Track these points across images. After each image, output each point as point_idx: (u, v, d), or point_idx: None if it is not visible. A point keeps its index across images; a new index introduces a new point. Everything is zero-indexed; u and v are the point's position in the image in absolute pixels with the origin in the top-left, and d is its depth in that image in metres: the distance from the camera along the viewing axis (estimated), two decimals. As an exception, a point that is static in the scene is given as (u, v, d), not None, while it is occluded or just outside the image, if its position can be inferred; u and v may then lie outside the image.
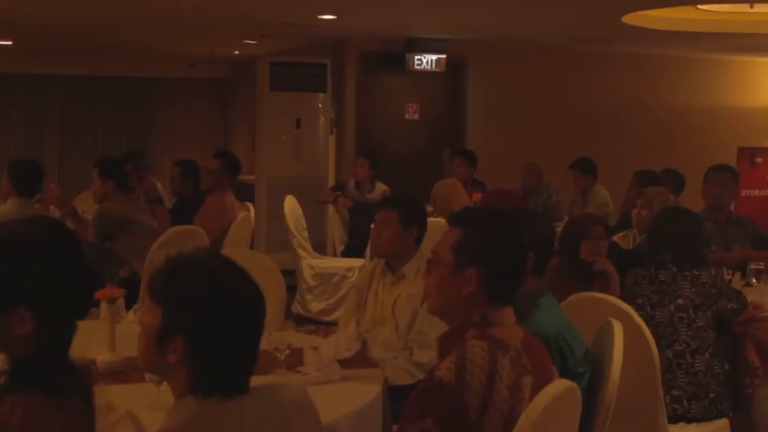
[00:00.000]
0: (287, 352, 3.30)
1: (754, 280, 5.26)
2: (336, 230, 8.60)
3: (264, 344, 3.30)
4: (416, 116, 10.03)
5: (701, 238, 4.57)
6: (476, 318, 2.47)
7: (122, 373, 3.27)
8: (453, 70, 9.84)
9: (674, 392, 4.19)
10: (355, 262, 7.72)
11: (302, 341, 3.59)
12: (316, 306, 7.88)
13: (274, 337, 3.28)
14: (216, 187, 6.81)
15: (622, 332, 3.08)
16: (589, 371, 3.08)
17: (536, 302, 3.08)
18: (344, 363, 3.42)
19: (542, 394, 2.33)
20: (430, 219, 6.68)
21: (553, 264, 4.13)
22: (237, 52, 12.05)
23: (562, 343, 2.99)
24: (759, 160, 11.77)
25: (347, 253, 8.15)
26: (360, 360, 3.60)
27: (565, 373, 2.87)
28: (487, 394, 2.31)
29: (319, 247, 8.86)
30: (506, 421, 2.32)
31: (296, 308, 7.97)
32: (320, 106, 9.69)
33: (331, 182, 9.48)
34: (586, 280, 4.45)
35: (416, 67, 9.48)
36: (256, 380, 2.02)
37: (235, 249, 5.80)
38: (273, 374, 3.23)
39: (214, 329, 1.92)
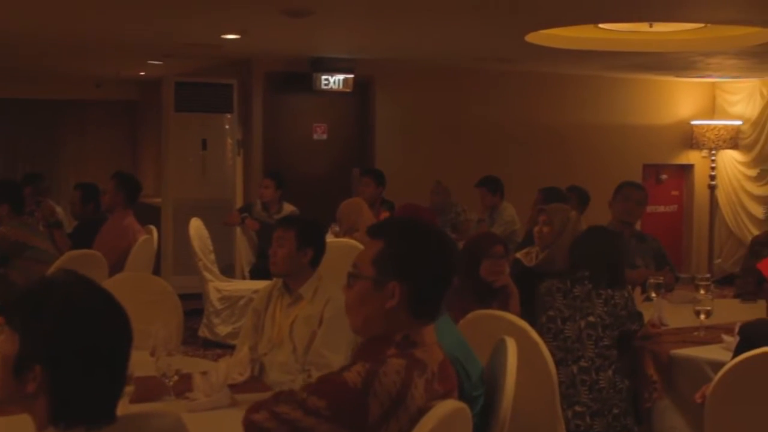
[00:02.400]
0: (176, 377, 3.21)
1: (653, 295, 5.32)
2: (243, 252, 8.50)
3: (152, 370, 3.26)
4: (324, 136, 9.99)
5: (622, 260, 4.60)
6: (398, 337, 2.40)
7: None
8: (360, 89, 9.83)
9: (577, 408, 4.21)
10: (262, 284, 7.60)
11: (191, 366, 3.49)
12: (223, 329, 7.76)
13: (162, 362, 3.19)
14: (114, 210, 6.70)
15: (516, 349, 3.05)
16: (483, 394, 3.04)
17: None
18: (235, 388, 3.34)
19: (429, 416, 2.28)
20: (337, 239, 6.72)
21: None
22: (143, 73, 11.88)
23: (457, 367, 2.94)
24: (664, 176, 12.00)
25: (255, 275, 8.05)
26: (251, 384, 3.53)
27: (461, 396, 2.84)
28: (392, 408, 2.26)
29: (227, 270, 8.74)
30: None
31: (203, 332, 7.85)
32: (227, 126, 9.60)
33: (239, 204, 9.37)
34: (485, 299, 4.46)
35: (323, 86, 9.43)
36: (139, 407, 1.93)
37: (129, 273, 5.69)
38: (161, 401, 3.14)
39: (73, 356, 1.82)
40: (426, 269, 2.43)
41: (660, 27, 7.57)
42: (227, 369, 3.35)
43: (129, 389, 2.93)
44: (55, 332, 1.81)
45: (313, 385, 2.35)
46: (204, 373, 3.27)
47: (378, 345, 2.40)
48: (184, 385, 3.24)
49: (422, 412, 2.29)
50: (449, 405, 2.35)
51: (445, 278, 2.50)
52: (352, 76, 9.49)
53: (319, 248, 4.07)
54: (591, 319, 4.27)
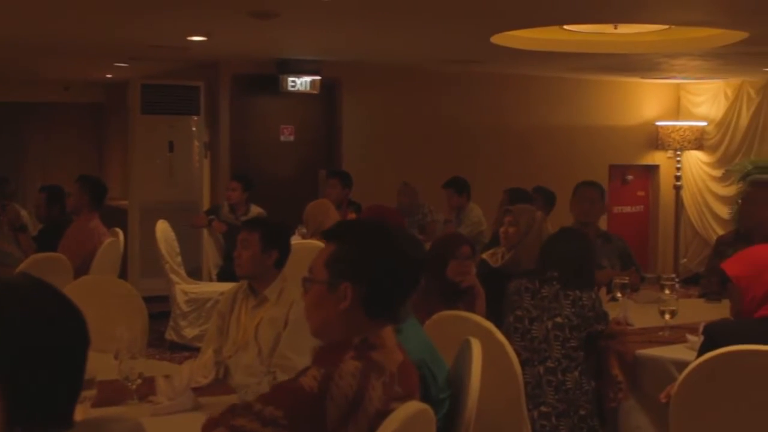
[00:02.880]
0: (139, 381, 3.18)
1: (618, 294, 5.34)
2: (210, 254, 8.47)
3: (116, 373, 3.23)
4: (291, 138, 9.97)
5: (591, 262, 4.62)
6: (357, 340, 2.38)
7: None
8: (327, 91, 9.82)
9: (543, 408, 4.21)
10: (229, 287, 7.56)
11: (155, 369, 3.47)
12: (190, 332, 7.72)
13: (125, 365, 3.16)
14: (79, 212, 6.65)
15: (480, 350, 3.05)
16: (449, 396, 3.04)
17: (399, 326, 3.03)
18: (199, 391, 3.32)
19: (391, 419, 2.27)
20: (304, 241, 6.70)
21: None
22: (110, 76, 11.80)
23: (425, 371, 2.93)
24: (630, 177, 12.07)
25: (222, 278, 8.01)
26: (216, 387, 3.50)
27: (426, 400, 2.83)
28: (350, 411, 2.25)
29: (195, 272, 8.70)
30: None
31: (170, 335, 7.81)
32: (194, 129, 9.55)
33: (206, 206, 9.33)
34: (451, 300, 4.46)
35: (290, 88, 9.41)
36: (101, 411, 1.91)
37: (94, 276, 5.65)
38: (124, 404, 3.11)
39: (27, 360, 1.79)
40: (379, 270, 2.42)
41: (625, 28, 7.61)
42: (191, 372, 3.33)
43: (91, 393, 2.90)
44: (8, 337, 1.78)
45: (269, 394, 2.33)
46: (167, 377, 3.24)
47: (336, 349, 2.39)
48: (147, 389, 3.22)
49: (382, 414, 2.28)
50: (411, 407, 2.34)
51: (402, 280, 2.47)
52: (318, 77, 9.48)
53: (284, 250, 4.06)
54: (558, 320, 4.28)
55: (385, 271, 2.43)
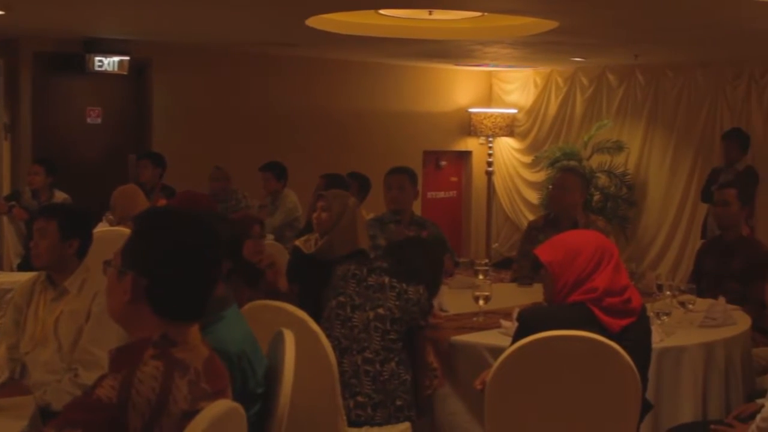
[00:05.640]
0: None
1: (434, 281, 5.34)
2: (11, 243, 8.05)
3: None
4: (99, 120, 9.56)
5: (427, 258, 4.54)
6: (156, 336, 2.22)
7: None
8: (137, 72, 9.47)
9: (359, 398, 4.14)
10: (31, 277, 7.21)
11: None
12: (-12, 325, 7.29)
13: None
14: None
15: (294, 342, 2.95)
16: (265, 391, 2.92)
17: (221, 313, 2.87)
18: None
19: (200, 418, 2.13)
20: (111, 228, 6.43)
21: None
22: None
23: (245, 363, 2.79)
24: (443, 163, 12.22)
25: (23, 268, 7.59)
26: (12, 387, 3.27)
27: (244, 393, 2.70)
28: (154, 417, 2.09)
29: (-6, 262, 8.26)
30: None
31: (-34, 329, 7.35)
32: (-8, 109, 9.03)
33: (7, 191, 8.84)
34: (254, 280, 4.39)
35: (97, 68, 9.01)
36: None
37: None
38: None
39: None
40: (167, 264, 2.25)
41: (439, 15, 7.65)
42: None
43: None
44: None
45: (65, 414, 2.13)
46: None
47: (134, 349, 2.22)
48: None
49: (189, 414, 2.13)
50: (220, 406, 2.20)
51: (199, 275, 2.31)
52: (127, 58, 9.12)
53: (86, 238, 3.84)
54: (381, 311, 4.21)
55: (176, 267, 2.26)
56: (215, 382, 2.26)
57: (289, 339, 2.95)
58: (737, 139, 8.78)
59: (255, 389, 2.83)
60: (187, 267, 2.27)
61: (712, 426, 3.72)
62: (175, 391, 2.13)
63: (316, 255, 5.00)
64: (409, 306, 4.22)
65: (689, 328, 4.55)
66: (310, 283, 4.62)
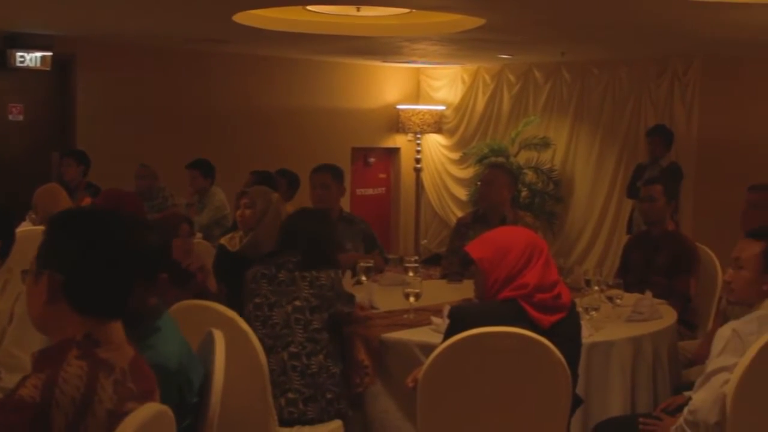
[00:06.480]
0: None
1: (363, 278, 5.34)
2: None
3: None
4: (20, 117, 9.34)
5: (329, 241, 4.55)
6: (80, 336, 2.18)
7: None
8: (60, 68, 9.28)
9: (290, 395, 4.14)
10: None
11: None
12: None
13: None
14: None
15: (224, 342, 2.91)
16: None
17: (155, 324, 2.81)
18: None
19: (126, 423, 2.08)
20: (33, 228, 6.29)
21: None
22: None
23: (183, 378, 2.74)
24: (372, 159, 12.22)
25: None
26: None
27: (181, 406, 2.65)
28: (79, 417, 2.04)
29: None
30: None
31: None
32: None
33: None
34: (181, 281, 4.33)
35: (19, 64, 8.80)
36: None
37: None
38: None
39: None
40: (81, 257, 2.22)
41: (367, 11, 7.63)
42: None
43: None
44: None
45: None
46: None
47: (57, 350, 2.18)
48: None
49: (115, 415, 2.10)
50: (148, 409, 2.16)
51: (114, 269, 2.26)
52: (50, 53, 8.94)
53: (7, 238, 3.74)
54: (297, 303, 4.22)
55: (88, 263, 2.22)
56: (142, 383, 2.23)
57: (219, 340, 2.91)
58: (661, 136, 8.92)
59: (190, 400, 2.78)
60: (101, 260, 2.24)
61: (641, 419, 3.76)
62: (100, 391, 2.10)
63: (242, 252, 4.97)
64: (324, 291, 4.25)
65: (617, 322, 4.61)
66: (237, 282, 4.57)
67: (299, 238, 4.42)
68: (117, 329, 2.26)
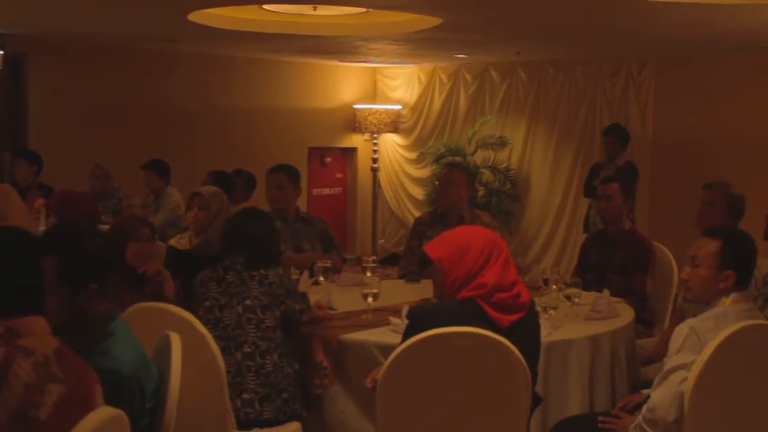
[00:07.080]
0: None
1: (321, 278, 5.32)
2: None
3: None
4: (-29, 117, 9.23)
5: (273, 239, 4.54)
6: (1, 329, 2.30)
7: None
8: (12, 67, 9.14)
9: (245, 396, 4.12)
10: None
11: None
12: None
13: None
14: None
15: (180, 345, 2.87)
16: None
17: (107, 329, 2.76)
18: None
19: (80, 427, 2.06)
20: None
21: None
22: None
23: (135, 386, 2.70)
24: (328, 159, 12.19)
25: None
26: None
27: (132, 412, 2.60)
28: None
29: None
30: (13, 418, 2.18)
31: None
32: None
33: None
34: (137, 285, 4.28)
35: (-32, 63, 8.69)
36: None
37: None
38: None
39: None
40: None
41: (324, 11, 7.59)
42: None
43: None
44: None
45: None
46: None
47: None
48: None
49: (35, 390, 2.19)
50: (102, 414, 2.14)
51: (22, 272, 2.40)
52: (1, 52, 8.81)
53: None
54: (248, 302, 4.24)
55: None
56: (68, 369, 2.28)
57: (176, 343, 2.88)
58: (617, 135, 8.98)
59: (143, 406, 2.74)
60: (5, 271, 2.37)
61: (600, 418, 3.77)
62: (15, 367, 2.21)
63: (194, 253, 4.93)
64: (274, 289, 4.27)
65: (575, 321, 4.62)
66: (189, 282, 4.53)
67: (240, 239, 4.42)
68: (38, 322, 2.37)
